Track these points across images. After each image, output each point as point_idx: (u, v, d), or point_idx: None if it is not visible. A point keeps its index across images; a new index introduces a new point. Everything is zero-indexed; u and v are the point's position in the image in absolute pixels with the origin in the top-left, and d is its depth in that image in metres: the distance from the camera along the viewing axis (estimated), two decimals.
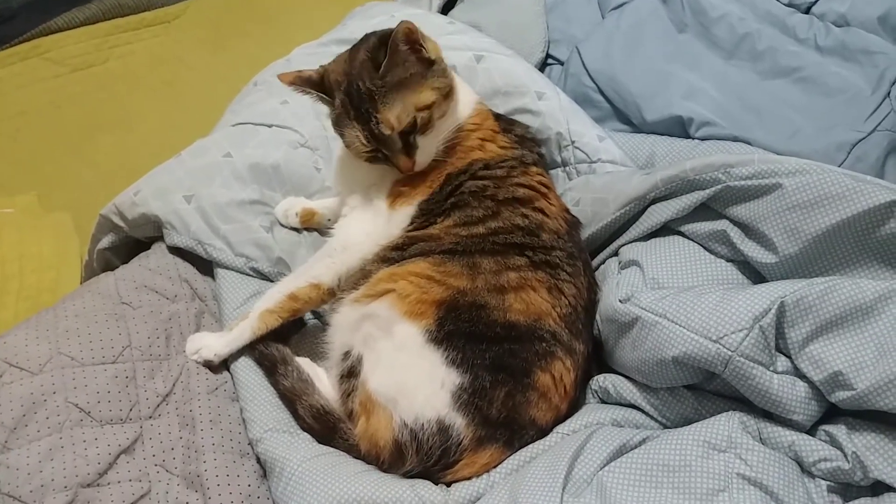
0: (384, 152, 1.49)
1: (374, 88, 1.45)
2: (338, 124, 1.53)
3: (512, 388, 1.34)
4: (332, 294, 1.53)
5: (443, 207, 1.50)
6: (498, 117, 1.65)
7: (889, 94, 1.78)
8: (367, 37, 1.55)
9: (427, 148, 1.50)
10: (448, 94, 1.52)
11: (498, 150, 1.56)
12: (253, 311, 1.53)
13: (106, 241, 1.86)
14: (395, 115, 1.45)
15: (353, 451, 1.41)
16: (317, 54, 2.15)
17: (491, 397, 1.33)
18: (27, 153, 2.86)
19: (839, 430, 1.22)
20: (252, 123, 1.92)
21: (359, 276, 1.49)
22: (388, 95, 1.45)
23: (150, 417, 1.45)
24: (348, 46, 2.11)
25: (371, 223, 1.55)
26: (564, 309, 1.41)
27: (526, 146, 1.61)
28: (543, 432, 1.38)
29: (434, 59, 1.50)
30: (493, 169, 1.53)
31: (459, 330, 1.34)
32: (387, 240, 1.51)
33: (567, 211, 1.57)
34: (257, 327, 1.51)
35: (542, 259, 1.43)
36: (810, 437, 1.24)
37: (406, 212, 1.53)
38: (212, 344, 1.54)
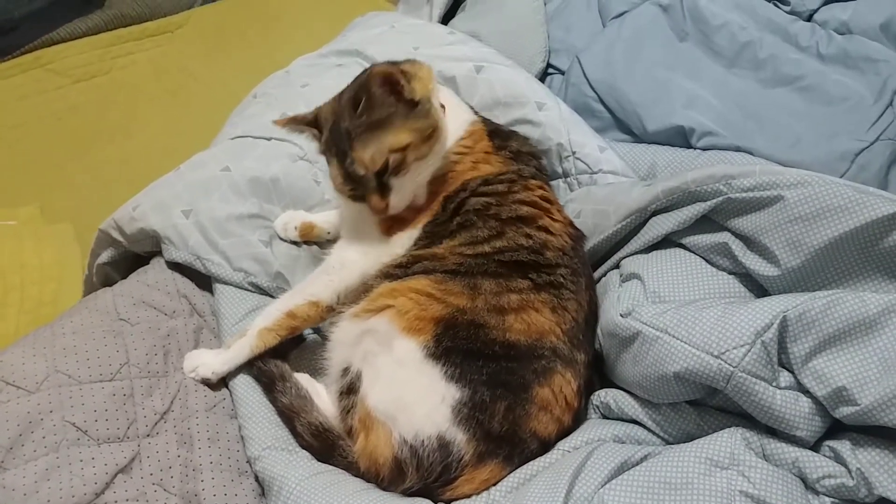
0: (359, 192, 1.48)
1: (350, 128, 1.44)
2: (326, 161, 1.53)
3: (512, 402, 1.33)
4: (330, 311, 1.52)
5: (449, 228, 1.49)
6: (493, 134, 1.61)
7: (892, 102, 1.77)
8: (363, 72, 1.54)
9: (403, 189, 1.47)
10: (430, 135, 1.47)
11: (492, 169, 1.55)
12: (251, 328, 1.52)
13: (105, 256, 1.85)
14: (368, 155, 1.43)
15: (353, 468, 1.40)
16: (316, 65, 2.16)
17: (491, 411, 1.32)
18: (29, 164, 2.86)
19: (843, 446, 1.20)
20: (251, 136, 1.92)
21: (360, 290, 1.48)
22: (363, 135, 1.43)
23: (148, 436, 1.44)
24: (348, 58, 2.14)
25: (367, 242, 1.54)
26: (568, 324, 1.40)
27: (522, 160, 1.59)
28: (545, 445, 1.37)
29: (418, 101, 1.46)
30: (494, 184, 1.52)
31: (457, 347, 1.34)
32: (389, 258, 1.51)
33: (571, 225, 1.56)
34: (255, 345, 1.50)
35: (545, 280, 1.41)
36: (814, 454, 1.23)
37: (409, 234, 1.52)
38: (209, 362, 1.53)
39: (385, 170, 1.44)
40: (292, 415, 1.45)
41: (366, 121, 1.43)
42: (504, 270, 1.41)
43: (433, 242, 1.49)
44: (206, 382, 1.53)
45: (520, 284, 1.40)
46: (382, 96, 1.43)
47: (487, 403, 1.31)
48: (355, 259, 1.53)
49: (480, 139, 1.58)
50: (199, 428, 1.45)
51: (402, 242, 1.52)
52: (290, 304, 1.52)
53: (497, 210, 1.48)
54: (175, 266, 1.72)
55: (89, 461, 1.35)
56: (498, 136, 1.62)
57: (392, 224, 1.53)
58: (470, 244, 1.45)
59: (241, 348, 1.51)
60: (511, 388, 1.33)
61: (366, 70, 1.54)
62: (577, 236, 1.55)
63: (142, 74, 3.33)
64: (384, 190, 1.46)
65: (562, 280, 1.43)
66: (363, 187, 1.46)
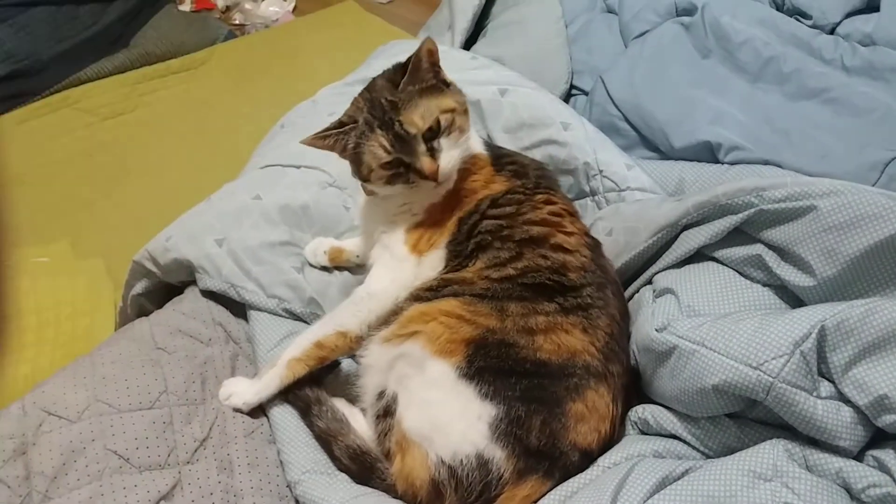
0: (406, 161, 1.48)
1: (395, 99, 1.48)
2: (356, 155, 1.52)
3: (547, 416, 1.32)
4: (359, 341, 1.52)
5: (469, 249, 1.50)
6: (495, 159, 1.64)
7: None
8: (375, 78, 1.59)
9: (450, 154, 1.50)
10: (465, 111, 1.55)
11: (499, 188, 1.57)
12: (281, 359, 1.53)
13: (139, 287, 1.87)
14: (418, 114, 1.47)
15: (391, 490, 1.39)
16: (343, 94, 2.17)
17: (528, 426, 1.31)
18: (60, 202, 2.90)
19: (887, 455, 1.18)
20: (280, 165, 1.94)
21: (390, 313, 1.49)
22: (410, 101, 1.48)
23: (189, 462, 1.44)
24: None
25: (398, 269, 1.55)
26: (601, 341, 1.40)
27: (523, 175, 1.61)
28: (586, 455, 1.35)
29: (450, 83, 1.55)
30: (502, 206, 1.53)
31: (489, 366, 1.34)
32: (420, 282, 1.52)
33: (586, 234, 1.56)
34: (285, 375, 1.51)
35: (573, 304, 1.41)
36: (858, 463, 1.21)
37: (437, 255, 1.53)
38: (242, 391, 1.54)
39: (436, 130, 1.48)
40: (330, 438, 1.46)
41: (412, 90, 1.48)
42: (529, 294, 1.42)
43: (460, 265, 1.50)
44: (238, 411, 1.54)
45: (546, 308, 1.40)
46: (427, 68, 1.50)
47: (523, 418, 1.31)
48: (384, 288, 1.54)
49: (485, 165, 1.62)
50: (238, 454, 1.46)
51: (432, 264, 1.53)
52: (319, 334, 1.53)
53: (510, 232, 1.49)
54: (209, 294, 1.74)
55: (132, 489, 1.36)
56: (499, 159, 1.64)
57: (419, 239, 1.55)
58: (495, 266, 1.46)
59: (270, 379, 1.52)
60: (545, 403, 1.33)
61: (383, 72, 1.60)
62: (594, 246, 1.55)
63: (168, 111, 3.38)
64: (433, 152, 1.48)
65: (589, 301, 1.43)
66: (411, 152, 1.47)
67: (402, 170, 1.49)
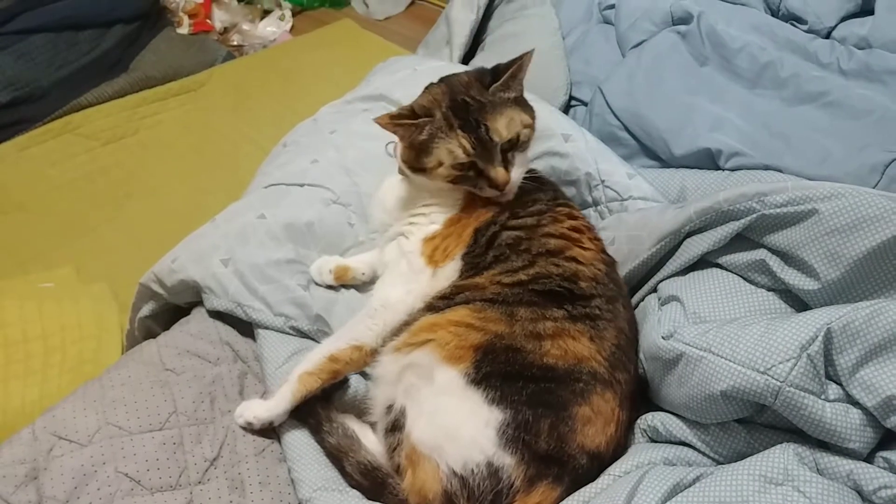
0: (478, 167, 1.52)
1: (484, 100, 1.52)
2: (424, 146, 1.54)
3: (554, 419, 1.33)
4: (374, 355, 1.52)
5: (487, 261, 1.52)
6: None
7: None
8: (457, 74, 1.64)
9: (520, 168, 1.56)
10: (534, 129, 1.61)
11: (517, 201, 1.60)
12: (293, 373, 1.53)
13: (146, 310, 1.88)
14: (504, 123, 1.52)
15: None
16: (343, 112, 2.20)
17: (536, 430, 1.32)
18: (64, 227, 2.90)
19: None
20: (284, 184, 1.94)
21: (402, 324, 1.50)
22: (498, 108, 1.53)
23: (200, 483, 1.45)
24: (373, 103, 2.17)
25: (410, 280, 1.56)
26: (608, 351, 1.40)
27: (541, 191, 1.65)
28: (594, 458, 1.36)
29: (526, 99, 1.62)
30: (523, 217, 1.55)
31: (496, 371, 1.35)
32: (435, 292, 1.52)
33: (604, 251, 1.57)
34: (297, 390, 1.50)
35: (581, 312, 1.42)
36: (868, 465, 1.21)
37: (452, 266, 1.55)
38: (254, 408, 1.54)
39: (514, 142, 1.53)
40: (341, 455, 1.45)
41: (502, 96, 1.54)
42: (539, 300, 1.43)
43: (475, 273, 1.51)
44: (250, 428, 1.54)
45: (555, 313, 1.41)
46: (521, 78, 1.56)
47: (531, 423, 1.31)
48: (400, 298, 1.54)
49: None
50: (249, 473, 1.46)
51: (447, 274, 1.54)
52: (333, 347, 1.53)
53: (528, 245, 1.51)
54: (216, 314, 1.75)
55: None
56: None
57: (434, 250, 1.56)
58: (506, 273, 1.48)
59: (283, 394, 1.52)
60: (551, 406, 1.33)
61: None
62: (610, 262, 1.56)
63: (169, 133, 3.39)
64: (507, 164, 1.53)
65: (598, 312, 1.44)
66: (488, 158, 1.51)
67: (471, 173, 1.53)
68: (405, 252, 1.59)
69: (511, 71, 1.54)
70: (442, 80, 1.63)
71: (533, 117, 1.60)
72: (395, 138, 1.62)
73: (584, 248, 1.53)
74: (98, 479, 1.39)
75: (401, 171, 1.67)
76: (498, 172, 1.52)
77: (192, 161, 3.24)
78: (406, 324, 1.48)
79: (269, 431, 1.55)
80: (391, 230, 1.65)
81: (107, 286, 2.52)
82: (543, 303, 1.42)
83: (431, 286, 1.54)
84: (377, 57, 2.68)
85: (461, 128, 1.51)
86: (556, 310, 1.42)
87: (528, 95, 1.98)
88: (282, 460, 1.50)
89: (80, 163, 3.20)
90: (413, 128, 1.54)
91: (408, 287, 1.55)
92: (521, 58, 1.55)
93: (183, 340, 1.68)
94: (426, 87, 1.63)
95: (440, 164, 1.53)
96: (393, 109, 2.09)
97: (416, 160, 1.57)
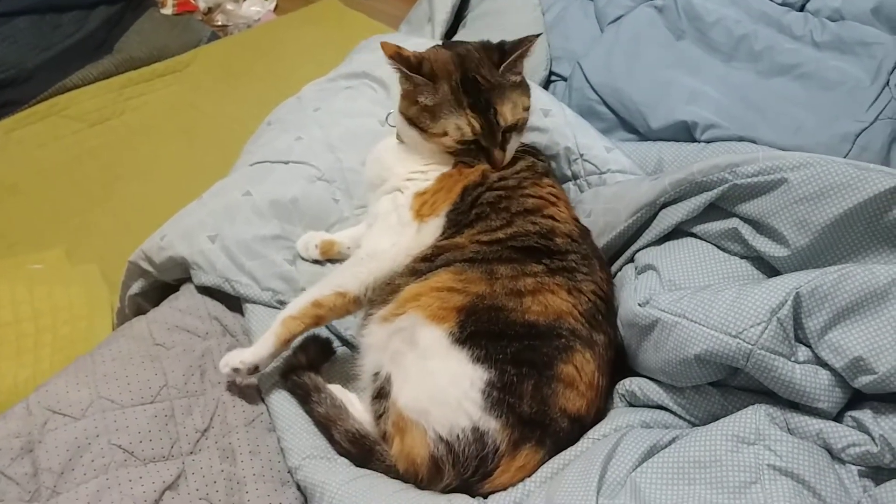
0: (482, 143, 1.58)
1: (494, 82, 1.57)
2: (430, 111, 1.58)
3: (538, 380, 1.35)
4: (357, 303, 1.55)
5: (469, 219, 1.55)
6: None
7: (888, 82, 1.81)
8: (465, 43, 1.67)
9: (512, 147, 1.63)
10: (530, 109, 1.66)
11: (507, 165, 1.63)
12: (277, 317, 1.55)
13: (136, 287, 1.91)
14: (509, 108, 1.57)
15: (391, 471, 1.42)
16: (326, 90, 2.22)
17: (520, 392, 1.34)
18: (52, 209, 2.91)
19: (865, 415, 1.23)
20: (269, 161, 1.97)
21: (388, 291, 1.51)
22: (505, 92, 1.58)
23: (192, 453, 1.48)
24: (356, 80, 2.19)
25: (397, 233, 1.58)
26: (585, 305, 1.44)
27: (534, 155, 1.70)
28: (574, 421, 1.39)
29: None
30: (507, 179, 1.59)
31: (480, 330, 1.37)
32: (419, 249, 1.55)
33: (577, 220, 1.61)
34: (280, 333, 1.52)
35: (558, 266, 1.46)
36: (837, 424, 1.25)
37: (436, 223, 1.57)
38: (239, 354, 1.55)
39: (515, 125, 1.58)
40: (329, 424, 1.48)
41: (509, 77, 1.58)
42: (518, 256, 1.46)
43: (456, 232, 1.54)
44: (236, 374, 1.55)
45: (534, 268, 1.44)
46: (522, 63, 1.61)
47: (515, 384, 1.34)
48: (385, 248, 1.57)
49: None
50: (239, 442, 1.49)
51: (431, 231, 1.56)
52: (317, 293, 1.55)
53: (507, 203, 1.54)
54: (205, 290, 1.78)
55: (137, 481, 1.40)
56: None
57: (423, 204, 1.59)
58: (485, 232, 1.51)
59: (267, 337, 1.53)
60: (536, 365, 1.36)
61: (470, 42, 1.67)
62: (583, 228, 1.60)
63: (155, 114, 3.39)
64: (504, 144, 1.60)
65: (574, 265, 1.48)
66: (491, 140, 1.58)
67: (472, 147, 1.59)
68: (398, 205, 1.61)
69: (520, 52, 1.57)
70: (454, 49, 1.64)
71: (530, 99, 1.65)
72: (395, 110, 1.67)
73: (560, 210, 1.57)
74: (92, 450, 1.42)
75: (398, 137, 1.69)
76: (498, 154, 1.59)
77: (179, 141, 3.25)
78: (391, 292, 1.50)
79: (259, 402, 1.58)
80: (387, 184, 1.66)
81: (96, 267, 2.54)
82: (522, 259, 1.46)
83: (416, 241, 1.56)
84: (362, 35, 2.68)
85: (471, 107, 1.56)
86: (535, 265, 1.45)
87: None
88: (271, 430, 1.53)
89: (66, 145, 3.20)
90: (408, 79, 1.58)
91: (394, 239, 1.57)
92: (528, 39, 1.58)
93: (172, 316, 1.71)
94: (437, 50, 1.64)
95: (445, 133, 1.57)
96: (375, 87, 2.12)
97: (417, 117, 1.60)
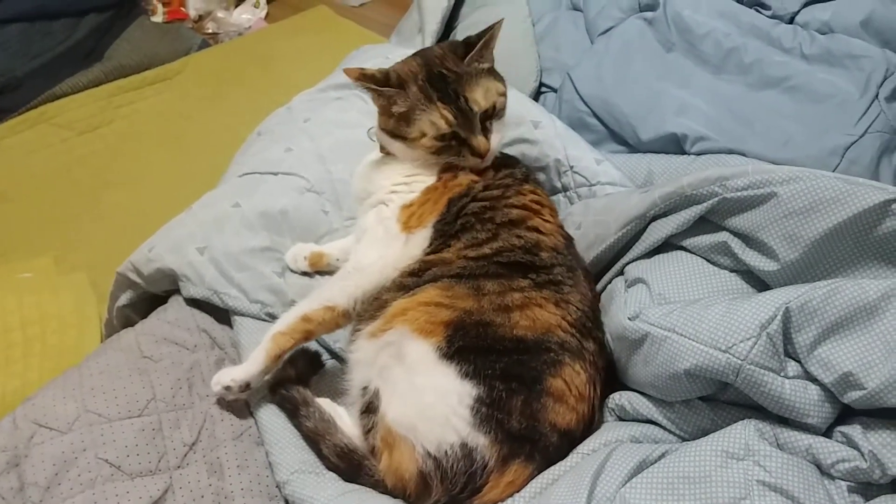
0: (461, 136, 1.56)
1: (460, 72, 1.56)
2: (405, 117, 1.58)
3: (527, 395, 1.35)
4: (346, 317, 1.55)
5: (454, 229, 1.54)
6: None
7: (877, 96, 1.81)
8: (430, 47, 1.71)
9: (498, 136, 1.62)
10: (506, 95, 1.65)
11: (492, 174, 1.64)
12: (266, 334, 1.54)
13: (124, 299, 1.90)
14: (481, 94, 1.57)
15: (380, 486, 1.41)
16: (316, 100, 2.21)
17: (509, 408, 1.34)
18: (41, 217, 2.90)
19: (854, 430, 1.22)
20: (258, 172, 1.96)
21: (376, 307, 1.51)
22: (474, 78, 1.57)
23: (179, 467, 1.47)
24: (346, 91, 2.19)
25: (385, 245, 1.58)
26: (574, 315, 1.44)
27: (513, 167, 1.69)
28: (564, 436, 1.38)
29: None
30: (491, 189, 1.59)
31: (468, 345, 1.37)
32: (407, 262, 1.55)
33: (562, 228, 1.62)
34: (270, 349, 1.52)
35: (545, 279, 1.46)
36: (826, 440, 1.25)
37: (424, 234, 1.57)
38: (230, 372, 1.55)
39: (490, 111, 1.58)
40: (317, 438, 1.48)
41: (477, 66, 1.58)
42: (504, 271, 1.46)
43: (442, 245, 1.54)
44: (228, 392, 1.54)
45: (521, 283, 1.44)
46: (490, 52, 1.62)
47: (504, 399, 1.33)
48: (373, 261, 1.56)
49: None
50: (227, 456, 1.48)
51: (418, 242, 1.56)
52: (306, 308, 1.54)
53: (492, 214, 1.54)
54: (193, 302, 1.77)
55: (124, 495, 1.39)
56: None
57: (410, 216, 1.58)
58: (471, 246, 1.51)
59: (257, 354, 1.53)
60: (524, 381, 1.35)
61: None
62: (568, 237, 1.61)
63: (144, 122, 3.39)
64: (486, 132, 1.58)
65: (560, 278, 1.48)
66: (468, 128, 1.56)
67: (454, 143, 1.57)
68: (383, 218, 1.61)
69: (484, 40, 1.57)
70: (416, 53, 1.66)
71: (505, 85, 1.64)
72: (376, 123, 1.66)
73: (544, 220, 1.58)
74: (79, 465, 1.40)
75: (382, 150, 1.69)
76: (479, 141, 1.57)
77: (169, 150, 3.24)
78: (379, 308, 1.49)
79: (247, 416, 1.57)
80: (372, 198, 1.66)
81: (85, 276, 2.53)
82: (508, 274, 1.46)
83: (404, 253, 1.56)
84: (353, 44, 2.69)
85: (440, 100, 1.55)
86: (522, 280, 1.45)
87: None
88: (259, 444, 1.53)
89: (56, 153, 3.20)
90: (378, 94, 1.58)
91: (381, 252, 1.57)
92: (491, 27, 1.59)
93: (160, 328, 1.70)
94: (402, 60, 1.65)
95: (423, 134, 1.57)
96: (366, 98, 2.12)
97: (396, 128, 1.60)
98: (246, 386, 1.54)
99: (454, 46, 1.62)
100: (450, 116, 1.55)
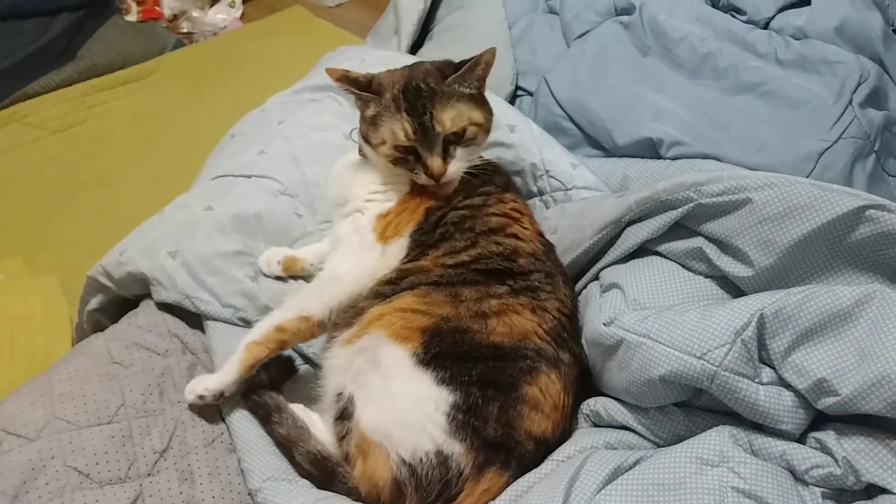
0: (418, 152, 1.54)
1: (437, 89, 1.53)
2: (374, 122, 1.57)
3: (503, 402, 1.34)
4: (322, 327, 1.54)
5: (433, 239, 1.54)
6: None
7: (851, 101, 1.82)
8: (424, 60, 1.66)
9: (459, 163, 1.57)
10: (489, 130, 1.62)
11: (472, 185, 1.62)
12: (241, 343, 1.53)
13: (95, 303, 1.87)
14: (449, 116, 1.53)
15: (353, 493, 1.41)
16: (291, 102, 2.19)
17: (485, 415, 1.33)
18: (11, 218, 2.87)
19: (828, 437, 1.23)
20: (231, 175, 1.94)
21: (352, 314, 1.50)
22: (448, 100, 1.53)
23: (149, 475, 1.45)
24: (321, 93, 2.17)
25: (360, 254, 1.57)
26: (550, 323, 1.44)
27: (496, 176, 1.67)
28: (540, 443, 1.38)
29: (486, 100, 1.62)
30: (472, 198, 1.58)
31: (445, 351, 1.36)
32: (383, 271, 1.53)
33: (541, 235, 1.61)
34: (245, 359, 1.50)
35: (522, 286, 1.46)
36: (801, 446, 1.26)
37: (400, 244, 1.56)
38: (204, 381, 1.53)
39: (458, 136, 1.54)
40: (290, 445, 1.46)
41: (456, 88, 1.54)
42: (482, 278, 1.45)
43: (420, 254, 1.53)
44: (201, 402, 1.53)
45: (498, 290, 1.44)
46: (479, 75, 1.57)
47: (480, 406, 1.33)
48: (348, 271, 1.55)
49: None
50: (199, 464, 1.47)
51: (395, 253, 1.55)
52: (281, 317, 1.53)
53: (472, 223, 1.53)
54: (165, 307, 1.75)
55: None
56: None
57: (386, 226, 1.57)
58: (450, 254, 1.50)
59: (231, 364, 1.51)
60: (501, 387, 1.35)
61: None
62: (547, 243, 1.60)
63: (118, 122, 3.36)
64: (446, 156, 1.54)
65: (537, 284, 1.47)
66: (428, 146, 1.53)
67: (411, 158, 1.55)
68: (359, 227, 1.60)
69: (469, 65, 1.54)
70: (408, 65, 1.64)
71: (488, 119, 1.60)
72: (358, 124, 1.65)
73: (524, 227, 1.57)
74: (47, 473, 1.38)
75: (360, 152, 1.68)
76: (434, 162, 1.53)
77: (143, 150, 3.22)
78: (355, 315, 1.48)
79: (219, 422, 1.56)
80: (348, 206, 1.65)
81: (56, 278, 2.50)
82: (486, 281, 1.45)
83: (380, 263, 1.55)
84: (329, 44, 2.68)
85: (407, 111, 1.53)
86: (499, 286, 1.45)
87: None
88: (231, 451, 1.51)
89: (27, 153, 3.17)
90: (356, 97, 1.58)
91: (357, 261, 1.56)
92: (481, 55, 1.55)
93: (131, 333, 1.68)
94: (393, 69, 1.64)
95: (383, 142, 1.55)
96: (341, 100, 2.10)
97: (366, 131, 1.59)
98: (220, 395, 1.53)
99: (444, 65, 1.60)
100: (409, 130, 1.52)
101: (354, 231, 1.60)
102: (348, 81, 1.57)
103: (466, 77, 1.55)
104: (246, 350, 1.51)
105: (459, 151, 1.56)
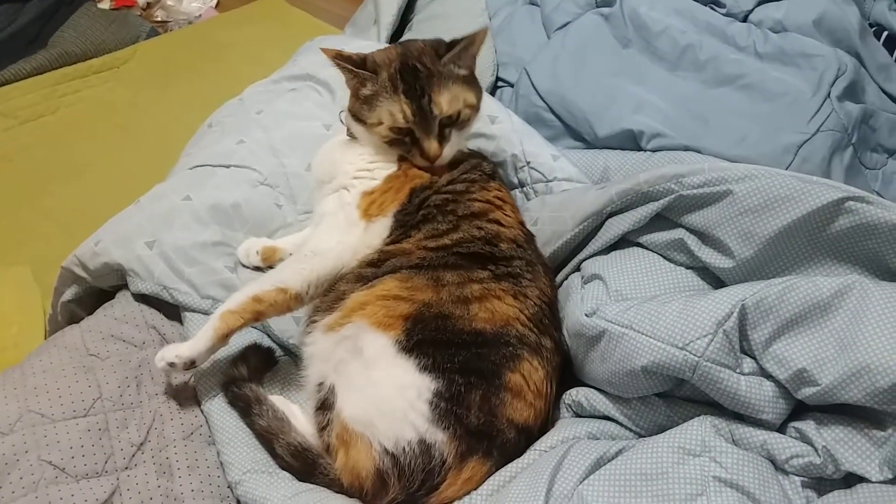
0: (415, 134, 1.55)
1: (434, 71, 1.55)
2: (368, 101, 1.57)
3: (486, 390, 1.34)
4: (299, 300, 1.52)
5: (415, 220, 1.54)
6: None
7: (829, 94, 1.83)
8: (417, 40, 1.66)
9: (453, 145, 1.60)
10: (479, 109, 1.65)
11: (457, 169, 1.63)
12: (215, 312, 1.51)
13: (69, 294, 1.84)
14: (447, 99, 1.55)
15: (335, 485, 1.40)
16: (269, 91, 2.18)
17: (468, 403, 1.33)
18: None
19: (808, 426, 1.24)
20: (209, 165, 1.92)
21: (333, 298, 1.49)
22: (445, 81, 1.55)
23: (127, 468, 1.43)
24: (300, 82, 2.16)
25: (344, 231, 1.56)
26: (531, 309, 1.44)
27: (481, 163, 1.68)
28: (522, 431, 1.38)
29: (476, 80, 1.64)
30: (455, 183, 1.58)
31: (427, 338, 1.36)
32: (365, 251, 1.53)
33: (523, 224, 1.61)
34: (218, 327, 1.48)
35: (504, 272, 1.46)
36: (781, 435, 1.27)
37: (384, 223, 1.55)
38: (175, 348, 1.50)
39: (453, 119, 1.56)
40: (271, 437, 1.45)
41: (452, 69, 1.56)
42: (464, 262, 1.45)
43: (402, 235, 1.53)
44: (172, 369, 1.50)
45: (480, 275, 1.44)
46: (473, 54, 1.60)
47: (463, 394, 1.32)
48: (331, 246, 1.54)
49: None
50: (177, 457, 1.45)
51: (378, 231, 1.55)
52: (258, 288, 1.51)
53: (455, 207, 1.54)
54: (142, 298, 1.73)
55: (69, 498, 1.34)
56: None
57: (370, 204, 1.57)
58: (432, 237, 1.50)
59: (204, 332, 1.49)
60: (483, 374, 1.35)
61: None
62: (528, 233, 1.60)
63: (90, 112, 3.31)
64: (441, 139, 1.56)
65: (519, 271, 1.48)
66: (425, 129, 1.55)
67: (407, 139, 1.56)
68: (344, 204, 1.59)
69: (463, 44, 1.55)
70: (400, 43, 1.65)
71: (479, 98, 1.63)
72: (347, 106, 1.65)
73: (507, 215, 1.57)
74: (21, 467, 1.36)
75: (348, 133, 1.68)
76: (431, 145, 1.56)
77: (117, 140, 3.17)
78: (336, 299, 1.47)
79: (198, 414, 1.54)
80: (335, 182, 1.64)
81: (28, 269, 2.46)
82: (468, 265, 1.45)
83: (363, 241, 1.54)
84: (306, 34, 2.66)
85: (405, 93, 1.54)
86: (481, 271, 1.45)
87: None
88: (211, 443, 1.50)
89: None
90: (353, 75, 1.57)
91: (340, 237, 1.55)
92: (475, 34, 1.56)
93: (107, 325, 1.65)
94: (384, 48, 1.65)
95: (380, 122, 1.56)
96: (320, 89, 2.09)
97: (359, 110, 1.59)
98: (191, 363, 1.50)
99: (437, 44, 1.60)
100: (408, 112, 1.54)
101: (339, 207, 1.60)
102: (344, 59, 1.56)
103: (462, 56, 1.57)
104: (220, 318, 1.49)
105: (454, 134, 1.59)
